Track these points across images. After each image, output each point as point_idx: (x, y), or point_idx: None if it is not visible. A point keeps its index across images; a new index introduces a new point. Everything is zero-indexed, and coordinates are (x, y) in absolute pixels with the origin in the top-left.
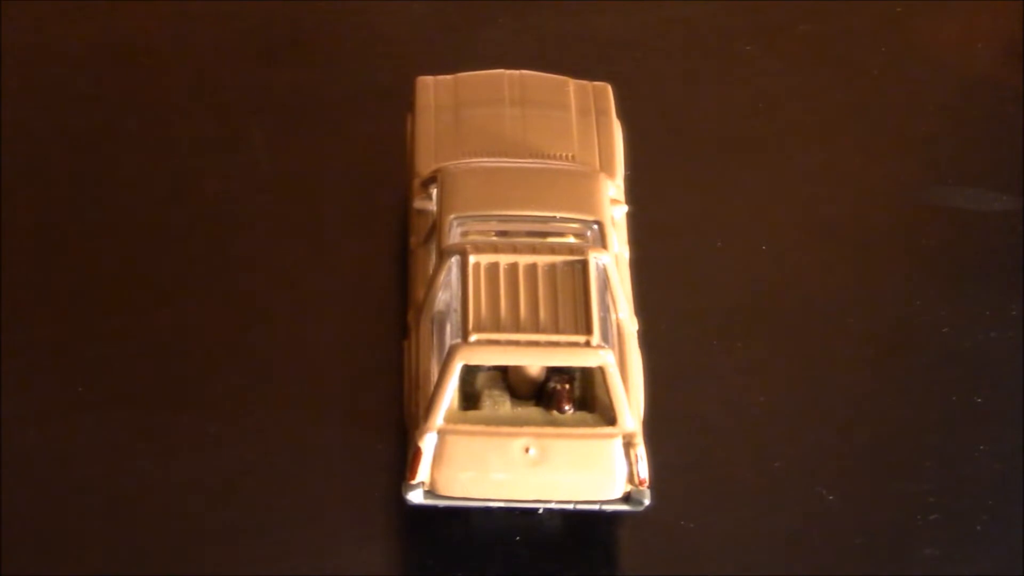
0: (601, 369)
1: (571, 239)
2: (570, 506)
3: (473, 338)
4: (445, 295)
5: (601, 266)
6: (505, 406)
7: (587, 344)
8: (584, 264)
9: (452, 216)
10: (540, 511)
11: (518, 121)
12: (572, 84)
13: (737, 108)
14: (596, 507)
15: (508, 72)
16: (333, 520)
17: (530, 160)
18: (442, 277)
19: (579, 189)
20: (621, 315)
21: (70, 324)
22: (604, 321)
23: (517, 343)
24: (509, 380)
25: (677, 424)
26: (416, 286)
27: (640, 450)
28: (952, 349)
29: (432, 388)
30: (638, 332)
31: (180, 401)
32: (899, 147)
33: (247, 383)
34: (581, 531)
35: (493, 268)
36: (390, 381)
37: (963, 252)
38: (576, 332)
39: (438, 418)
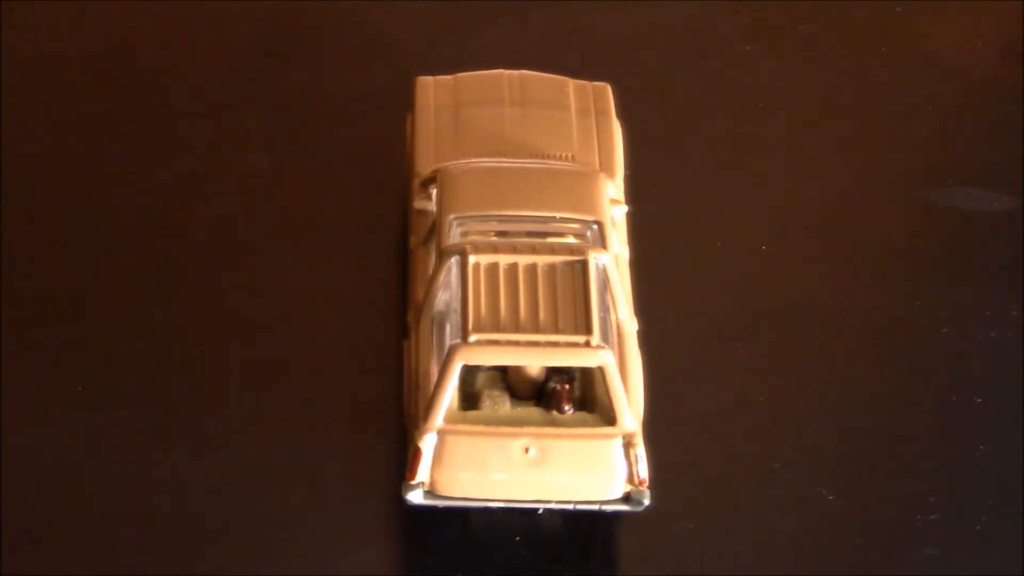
0: (601, 369)
1: (571, 239)
2: (570, 506)
3: (473, 338)
4: (445, 295)
5: (601, 266)
6: (505, 406)
7: (587, 344)
8: (584, 264)
9: (452, 216)
10: (540, 511)
11: (518, 121)
12: (572, 84)
13: (737, 108)
14: (596, 507)
15: (508, 72)
16: (333, 520)
17: (530, 160)
18: (442, 277)
19: (579, 189)
20: (621, 315)
21: (70, 324)
22: (604, 321)
23: (517, 343)
24: (509, 380)
25: (677, 424)
26: (416, 286)
27: (640, 450)
28: (952, 349)
29: (432, 388)
30: (638, 332)
31: (180, 401)
32: (899, 147)
33: (247, 383)
34: (581, 531)
35: (493, 268)
36: (390, 381)
37: (963, 252)
38: (576, 332)
39: (438, 418)
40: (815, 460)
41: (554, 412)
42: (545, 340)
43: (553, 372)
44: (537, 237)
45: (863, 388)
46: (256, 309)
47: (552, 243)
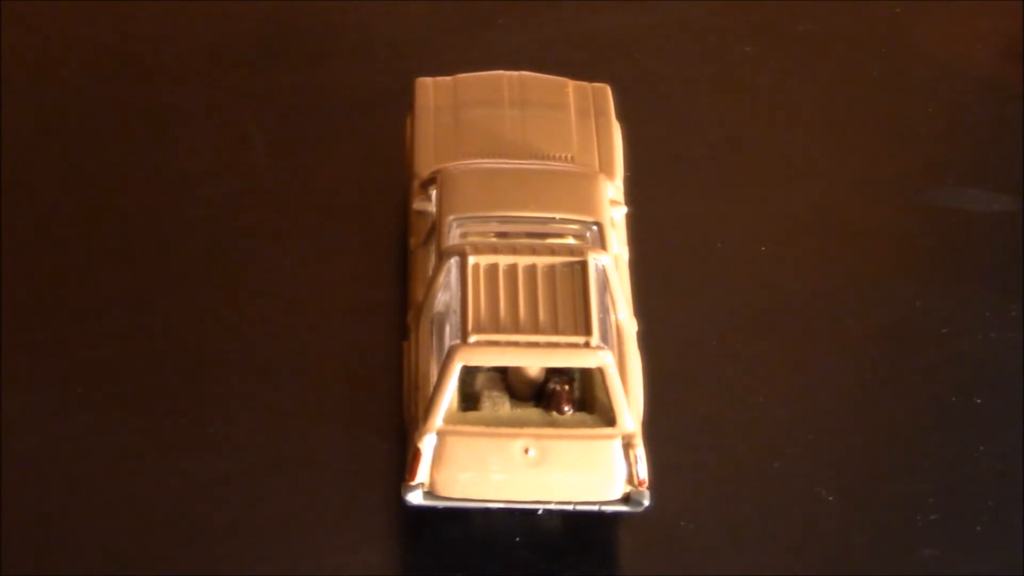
0: (600, 370)
1: (571, 240)
2: (570, 507)
3: (472, 339)
4: (445, 296)
5: (600, 267)
6: (504, 407)
7: (586, 345)
8: (583, 265)
9: (452, 217)
10: (540, 512)
11: (517, 122)
12: (571, 85)
13: (736, 109)
14: (596, 508)
15: (507, 73)
16: (333, 520)
17: (529, 161)
18: (441, 278)
19: (578, 190)
20: (620, 316)
21: (70, 324)
22: (603, 322)
23: (516, 344)
24: (508, 381)
25: (677, 424)
26: (416, 287)
27: (639, 451)
28: (952, 349)
29: (432, 389)
30: (638, 333)
31: (180, 402)
32: (899, 147)
33: (247, 384)
34: (581, 531)
35: (492, 269)
36: (390, 382)
37: (963, 252)
38: (575, 333)
39: (438, 419)
40: (815, 460)
41: (554, 413)
42: (545, 341)
43: (553, 373)
44: (537, 238)
45: (863, 388)
46: (256, 309)
47: (552, 244)
